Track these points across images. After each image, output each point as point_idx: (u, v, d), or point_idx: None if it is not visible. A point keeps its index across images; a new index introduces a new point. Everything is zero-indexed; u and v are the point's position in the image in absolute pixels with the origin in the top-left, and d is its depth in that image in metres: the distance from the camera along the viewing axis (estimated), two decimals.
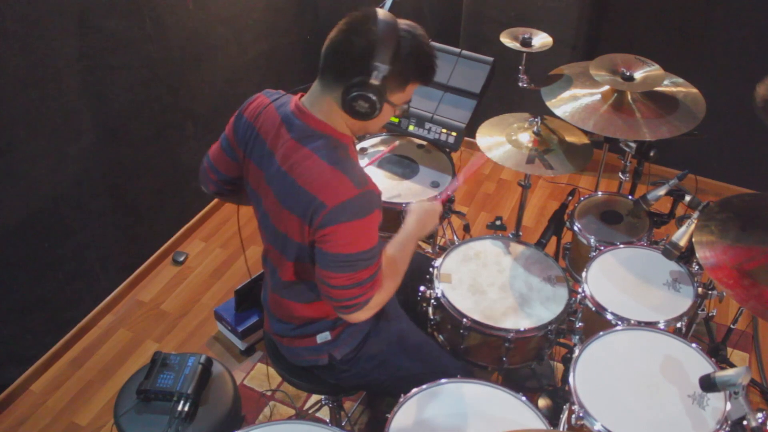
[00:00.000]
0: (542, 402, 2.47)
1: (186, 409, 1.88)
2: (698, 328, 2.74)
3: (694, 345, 1.82)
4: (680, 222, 2.20)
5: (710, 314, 2.31)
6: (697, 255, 1.79)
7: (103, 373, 2.70)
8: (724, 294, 2.15)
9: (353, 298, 1.57)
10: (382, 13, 1.48)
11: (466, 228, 2.86)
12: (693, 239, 1.84)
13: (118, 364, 2.74)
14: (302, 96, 1.60)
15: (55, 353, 2.72)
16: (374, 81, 1.45)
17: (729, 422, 1.53)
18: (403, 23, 1.51)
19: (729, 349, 2.58)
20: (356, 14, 1.49)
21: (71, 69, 2.43)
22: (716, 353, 2.52)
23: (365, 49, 1.44)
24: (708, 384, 1.51)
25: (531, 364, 2.10)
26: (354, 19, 1.48)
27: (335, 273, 1.53)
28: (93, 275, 2.82)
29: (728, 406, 1.61)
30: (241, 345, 2.75)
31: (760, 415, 1.58)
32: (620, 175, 2.61)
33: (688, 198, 2.08)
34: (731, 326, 2.50)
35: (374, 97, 1.46)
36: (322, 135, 1.53)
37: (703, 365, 1.77)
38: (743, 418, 1.46)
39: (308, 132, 1.53)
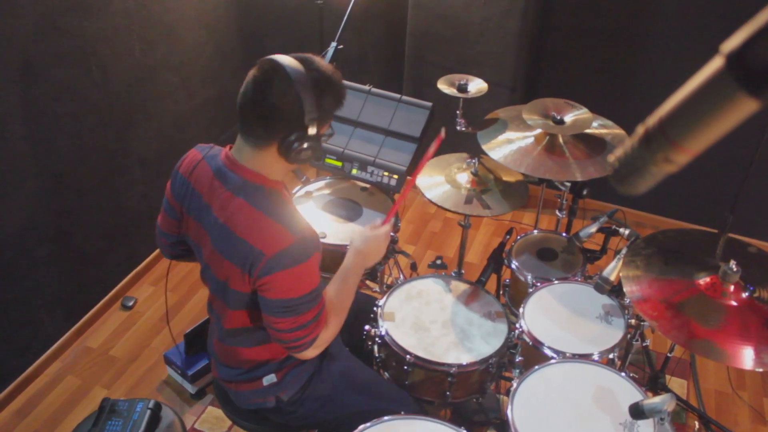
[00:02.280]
0: None
1: None
2: (638, 357, 2.85)
3: (624, 374, 1.91)
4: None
5: (645, 343, 2.42)
6: (624, 289, 1.89)
7: (50, 423, 2.66)
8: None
9: (299, 339, 1.63)
10: (286, 63, 1.50)
11: (413, 266, 2.93)
12: (620, 274, 1.95)
13: (66, 412, 2.70)
14: (231, 148, 1.65)
15: None
16: (312, 132, 1.52)
17: None
18: (302, 61, 1.53)
19: (667, 377, 2.68)
20: (260, 73, 1.51)
21: (15, 116, 2.44)
22: (655, 381, 2.62)
23: (293, 108, 1.48)
24: (637, 411, 1.59)
25: (474, 397, 2.16)
26: (262, 79, 1.50)
27: (279, 318, 1.59)
28: (39, 322, 2.80)
29: None
30: (191, 388, 2.75)
31: None
32: (557, 212, 2.72)
33: (626, 231, 2.19)
34: (668, 354, 2.60)
35: (315, 144, 1.54)
36: (255, 185, 1.58)
37: (634, 394, 1.86)
38: None
39: (241, 183, 1.58)
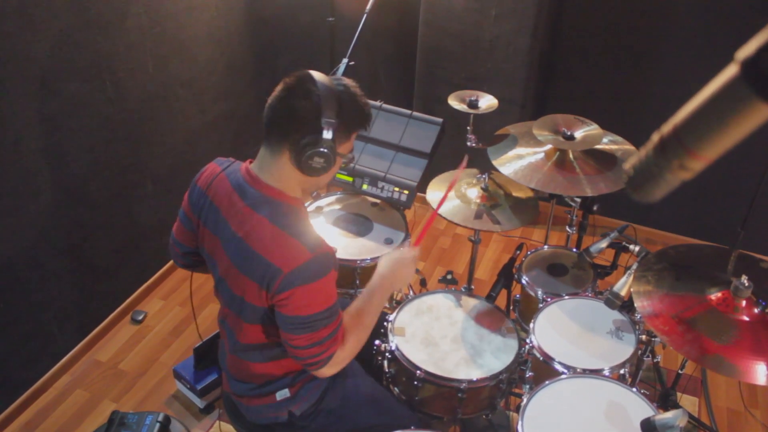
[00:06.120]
0: None
1: None
2: (649, 374, 2.83)
3: (634, 390, 1.90)
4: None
5: (655, 360, 2.41)
6: (635, 304, 1.89)
7: None
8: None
9: (315, 356, 1.63)
10: (315, 74, 1.58)
11: (423, 282, 2.93)
12: (631, 289, 1.95)
13: (75, 425, 2.71)
14: (251, 162, 1.67)
15: (8, 417, 2.68)
16: (327, 136, 1.54)
17: None
18: (334, 79, 1.61)
19: (679, 394, 2.66)
20: (291, 79, 1.58)
21: (31, 130, 2.47)
22: (666, 398, 2.60)
23: (311, 110, 1.53)
24: (648, 427, 1.59)
25: (484, 413, 2.15)
26: (291, 83, 1.57)
27: (295, 335, 1.60)
28: (49, 335, 2.81)
29: None
30: (200, 403, 2.75)
31: None
32: (567, 228, 2.72)
33: (636, 248, 2.19)
34: (679, 371, 2.59)
35: (328, 152, 1.55)
36: (274, 201, 1.60)
37: (645, 409, 1.85)
38: None
39: (261, 199, 1.60)
